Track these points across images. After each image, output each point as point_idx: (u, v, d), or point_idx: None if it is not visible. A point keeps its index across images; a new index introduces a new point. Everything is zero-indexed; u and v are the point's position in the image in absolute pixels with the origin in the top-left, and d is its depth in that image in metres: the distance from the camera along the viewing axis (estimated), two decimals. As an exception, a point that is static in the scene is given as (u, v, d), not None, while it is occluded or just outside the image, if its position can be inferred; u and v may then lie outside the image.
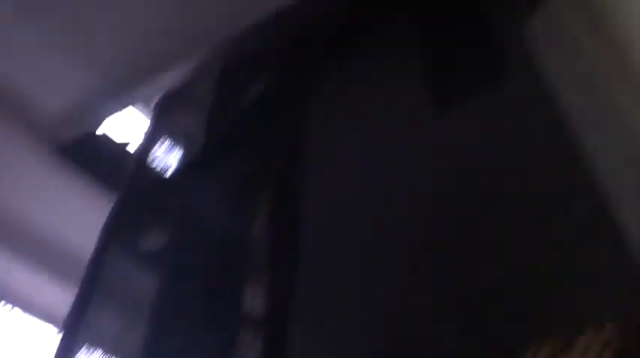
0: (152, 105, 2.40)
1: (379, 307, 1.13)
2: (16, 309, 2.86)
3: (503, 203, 1.13)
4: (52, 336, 2.88)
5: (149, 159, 2.18)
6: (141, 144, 2.26)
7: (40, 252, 2.66)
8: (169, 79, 2.11)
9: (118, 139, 2.64)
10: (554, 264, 1.00)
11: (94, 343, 1.68)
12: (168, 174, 2.14)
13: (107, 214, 2.06)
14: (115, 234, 1.97)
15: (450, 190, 1.21)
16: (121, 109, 2.25)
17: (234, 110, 2.06)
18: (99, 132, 2.49)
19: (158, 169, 2.16)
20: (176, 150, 2.18)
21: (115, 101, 2.17)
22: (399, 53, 1.71)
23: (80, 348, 1.68)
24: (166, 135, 2.23)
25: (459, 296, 1.05)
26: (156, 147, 2.20)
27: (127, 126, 2.75)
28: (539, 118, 1.23)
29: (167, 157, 2.17)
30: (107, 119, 2.35)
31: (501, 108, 1.31)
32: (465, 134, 1.30)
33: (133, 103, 2.25)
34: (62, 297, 2.22)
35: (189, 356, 1.47)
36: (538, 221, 1.07)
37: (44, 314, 2.84)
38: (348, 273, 1.22)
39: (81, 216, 2.54)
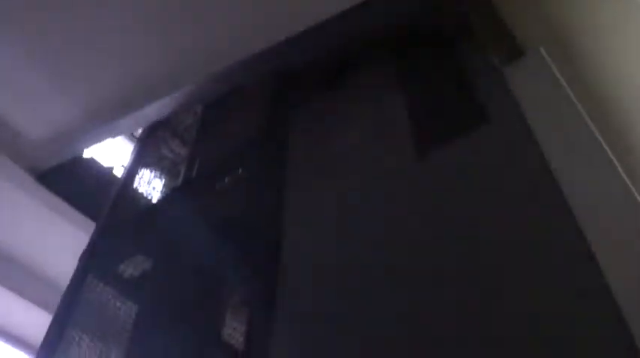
0: (136, 135, 2.44)
1: None
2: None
3: (484, 257, 1.09)
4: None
5: (131, 188, 2.21)
6: (123, 173, 2.29)
7: (18, 278, 2.65)
8: (153, 111, 2.14)
9: (101, 166, 2.66)
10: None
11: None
12: (150, 203, 2.17)
13: (87, 241, 2.08)
14: (94, 260, 1.99)
15: (428, 238, 1.20)
16: (103, 140, 2.28)
17: (217, 143, 2.11)
18: (81, 158, 2.51)
19: (140, 198, 2.19)
20: (158, 180, 2.22)
21: (98, 131, 2.20)
22: (379, 95, 1.74)
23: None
24: (149, 166, 2.27)
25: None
26: (138, 176, 2.24)
27: (110, 153, 2.78)
28: (520, 163, 1.22)
29: (149, 187, 2.21)
30: (90, 148, 2.38)
31: (483, 153, 1.31)
32: (445, 180, 1.30)
33: (116, 134, 2.28)
34: (39, 324, 2.21)
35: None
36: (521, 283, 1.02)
37: (19, 341, 2.80)
38: (326, 321, 1.22)
39: (60, 242, 2.55)
